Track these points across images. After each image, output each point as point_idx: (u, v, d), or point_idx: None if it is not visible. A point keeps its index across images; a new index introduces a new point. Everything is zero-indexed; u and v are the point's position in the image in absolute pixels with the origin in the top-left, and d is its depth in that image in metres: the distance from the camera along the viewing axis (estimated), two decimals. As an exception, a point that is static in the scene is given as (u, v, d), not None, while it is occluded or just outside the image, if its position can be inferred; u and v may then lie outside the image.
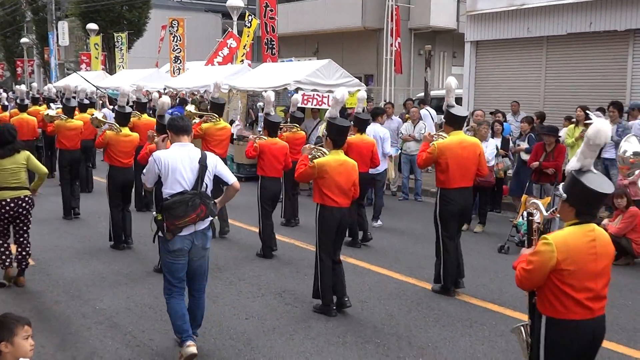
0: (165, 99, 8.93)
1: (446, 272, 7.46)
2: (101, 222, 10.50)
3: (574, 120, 11.99)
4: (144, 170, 5.69)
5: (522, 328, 4.08)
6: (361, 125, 9.68)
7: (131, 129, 9.96)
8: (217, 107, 10.53)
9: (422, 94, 18.32)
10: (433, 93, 19.15)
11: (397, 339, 6.12)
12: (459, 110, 7.58)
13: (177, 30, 24.09)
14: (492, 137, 11.38)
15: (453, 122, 7.47)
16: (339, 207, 6.76)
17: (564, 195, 3.79)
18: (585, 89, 14.37)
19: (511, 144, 11.62)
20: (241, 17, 22.66)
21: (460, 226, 7.85)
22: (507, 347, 5.91)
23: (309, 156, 6.90)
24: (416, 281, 7.93)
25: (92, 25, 32.10)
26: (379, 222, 11.11)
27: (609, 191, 3.76)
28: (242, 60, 21.27)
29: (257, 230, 9.37)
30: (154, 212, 5.50)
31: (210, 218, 5.54)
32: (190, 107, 13.40)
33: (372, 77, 26.64)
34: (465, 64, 17.33)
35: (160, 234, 5.43)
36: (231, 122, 16.34)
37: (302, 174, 6.89)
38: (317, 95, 14.63)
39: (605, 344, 6.08)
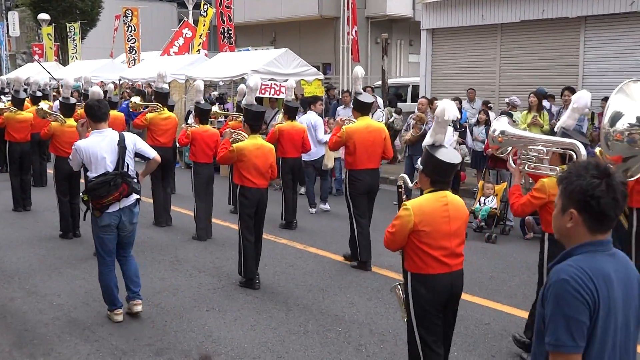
0: (96, 89, 9.15)
1: (361, 247, 7.96)
2: (55, 216, 10.29)
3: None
4: (70, 157, 6.22)
5: (398, 287, 4.58)
6: (291, 113, 10.40)
7: (78, 120, 9.93)
8: (161, 97, 10.61)
9: (380, 82, 18.40)
10: (390, 81, 19.25)
11: (358, 327, 6.16)
12: (365, 97, 8.26)
13: (131, 20, 23.69)
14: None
15: (360, 108, 8.15)
16: (257, 188, 7.25)
17: (421, 167, 4.41)
18: (539, 75, 14.60)
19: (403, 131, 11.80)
20: (197, 6, 22.42)
21: (371, 206, 8.20)
22: (467, 332, 6.01)
23: (230, 140, 7.37)
24: (376, 269, 7.98)
25: (43, 15, 31.32)
26: (327, 206, 11.35)
27: (457, 162, 4.38)
28: (199, 50, 21.05)
29: (217, 221, 9.34)
30: (81, 194, 5.98)
31: (136, 195, 6.09)
32: (135, 99, 13.31)
33: (330, 66, 26.62)
34: (422, 51, 17.43)
35: (89, 212, 6.01)
36: (189, 113, 16.18)
37: (223, 157, 7.38)
38: (274, 84, 14.58)
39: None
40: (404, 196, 4.58)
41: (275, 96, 14.65)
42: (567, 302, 2.39)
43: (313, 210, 11.18)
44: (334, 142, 8.19)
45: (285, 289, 7.25)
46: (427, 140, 4.47)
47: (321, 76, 16.90)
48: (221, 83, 17.72)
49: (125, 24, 23.81)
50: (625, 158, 3.29)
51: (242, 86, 12.25)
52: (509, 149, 5.40)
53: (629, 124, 3.21)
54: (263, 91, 14.46)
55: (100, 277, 6.22)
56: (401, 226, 4.22)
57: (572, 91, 11.64)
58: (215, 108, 12.27)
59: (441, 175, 4.33)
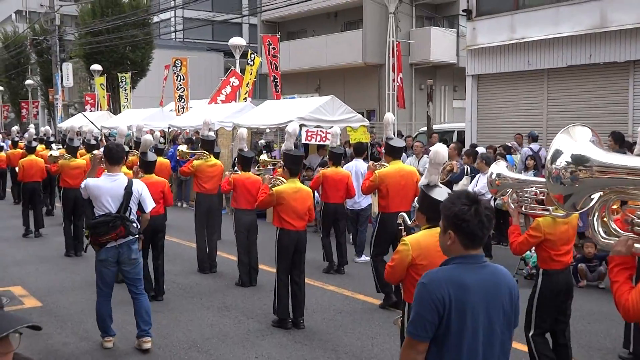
0: (148, 137, 9.45)
1: (386, 287, 8.15)
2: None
3: None
4: (82, 185, 6.73)
5: (400, 319, 4.84)
6: (336, 159, 10.49)
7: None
8: (207, 144, 10.80)
9: (425, 128, 18.42)
10: (436, 127, 19.26)
11: (408, 376, 6.06)
12: (396, 142, 8.64)
13: (180, 70, 24.29)
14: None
15: (392, 153, 8.46)
16: (295, 230, 7.46)
17: (417, 205, 4.71)
18: (587, 120, 14.42)
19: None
20: (243, 55, 22.90)
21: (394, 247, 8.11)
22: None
23: (269, 185, 7.64)
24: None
25: (96, 66, 32.41)
26: (364, 257, 10.88)
27: None
28: (245, 98, 21.43)
29: (264, 267, 9.38)
30: (84, 229, 6.26)
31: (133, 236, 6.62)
32: (182, 147, 13.57)
33: (374, 112, 26.81)
34: (467, 97, 17.46)
35: (90, 246, 6.61)
36: (235, 160, 16.41)
37: (263, 202, 7.64)
38: (320, 131, 14.68)
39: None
40: (404, 233, 4.88)
41: (322, 143, 14.74)
42: (420, 302, 3.03)
43: (359, 259, 11.02)
44: (367, 186, 8.44)
45: (334, 336, 7.21)
46: (422, 181, 4.82)
47: (367, 122, 16.98)
48: (268, 130, 17.95)
49: (175, 73, 24.41)
50: (566, 196, 3.42)
51: (241, 131, 11.59)
52: (508, 191, 5.59)
53: (565, 162, 3.35)
54: (309, 138, 14.58)
55: (97, 305, 6.77)
56: (400, 260, 4.50)
57: (615, 136, 11.32)
58: (264, 156, 12.40)
59: (436, 213, 4.59)
